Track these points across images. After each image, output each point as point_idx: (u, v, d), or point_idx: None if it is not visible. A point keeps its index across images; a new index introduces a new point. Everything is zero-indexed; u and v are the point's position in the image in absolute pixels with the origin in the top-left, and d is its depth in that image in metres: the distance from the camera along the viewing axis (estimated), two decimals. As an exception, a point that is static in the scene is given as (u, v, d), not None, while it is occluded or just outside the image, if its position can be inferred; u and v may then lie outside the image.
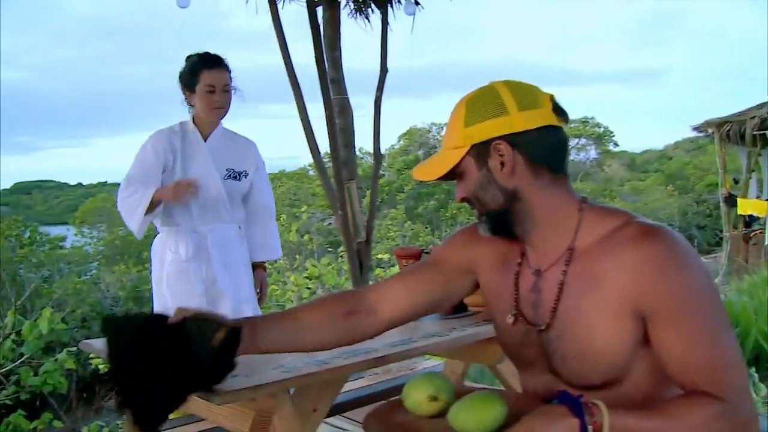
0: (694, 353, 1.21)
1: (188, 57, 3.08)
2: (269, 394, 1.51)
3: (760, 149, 12.23)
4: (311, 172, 21.10)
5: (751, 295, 6.01)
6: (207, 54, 3.07)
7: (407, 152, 26.12)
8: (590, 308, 1.29)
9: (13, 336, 5.47)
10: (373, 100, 4.37)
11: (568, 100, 1.42)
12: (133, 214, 2.99)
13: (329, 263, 8.97)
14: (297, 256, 10.55)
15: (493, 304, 1.52)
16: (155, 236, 3.21)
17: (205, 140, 3.10)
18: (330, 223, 15.57)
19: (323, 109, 4.13)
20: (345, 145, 4.29)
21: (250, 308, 3.15)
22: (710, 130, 12.54)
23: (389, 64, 4.43)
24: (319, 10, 4.24)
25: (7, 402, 5.56)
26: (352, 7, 4.60)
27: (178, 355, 1.34)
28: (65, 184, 56.17)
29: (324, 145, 4.17)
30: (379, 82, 4.36)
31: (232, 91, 3.10)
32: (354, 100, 4.37)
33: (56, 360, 5.31)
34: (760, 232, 11.60)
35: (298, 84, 4.02)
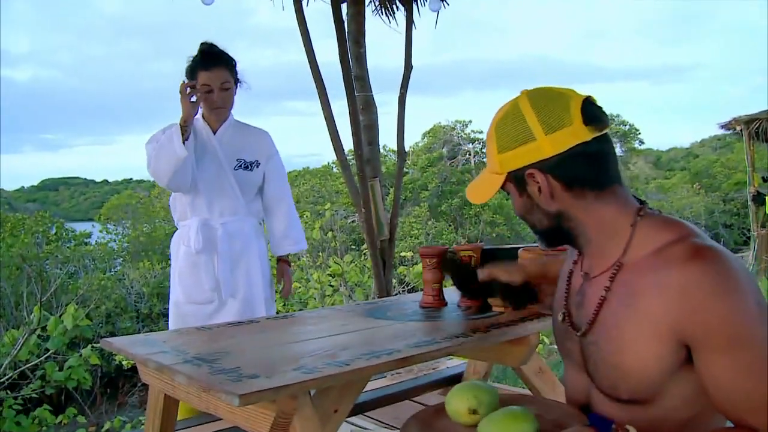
0: (742, 384, 1.14)
1: (199, 46, 3.03)
2: (290, 395, 1.48)
3: (790, 147, 12.07)
4: (335, 170, 21.11)
5: (780, 295, 5.92)
6: (207, 50, 3.02)
7: (431, 150, 26.04)
8: (627, 324, 1.24)
9: (38, 331, 5.52)
10: (397, 97, 4.35)
11: (592, 97, 1.36)
12: (170, 144, 2.84)
13: (352, 260, 8.93)
14: (320, 254, 10.54)
15: (555, 295, 1.54)
16: (174, 232, 3.22)
17: (214, 133, 3.08)
18: (353, 221, 15.59)
19: (347, 106, 4.11)
20: (369, 142, 4.27)
21: (262, 307, 3.11)
22: (738, 128, 12.41)
23: (413, 62, 4.40)
24: (344, 7, 4.22)
25: (33, 396, 5.61)
26: (377, 3, 4.58)
27: None
28: (91, 180, 56.94)
29: (348, 143, 4.16)
30: (403, 79, 4.33)
31: (237, 86, 3.07)
32: (378, 98, 4.36)
33: (81, 355, 5.36)
34: (789, 232, 11.45)
35: (322, 81, 4.00)
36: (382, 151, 5.63)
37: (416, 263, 9.90)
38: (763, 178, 13.02)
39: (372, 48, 4.35)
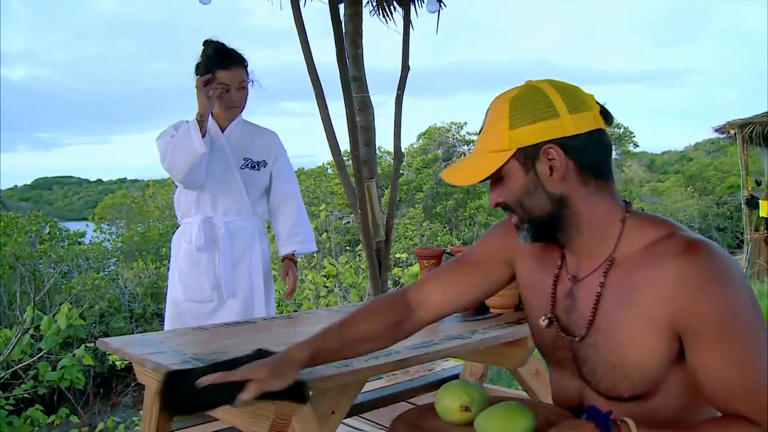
0: (734, 375, 1.15)
1: (205, 43, 3.00)
2: (288, 396, 1.48)
3: (783, 151, 12.13)
4: (330, 171, 21.09)
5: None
6: (222, 49, 2.99)
7: (426, 151, 26.02)
8: (626, 321, 1.25)
9: (31, 331, 5.50)
10: (394, 98, 4.34)
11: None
12: (188, 140, 2.81)
13: (347, 262, 8.94)
14: (315, 255, 10.53)
15: (528, 302, 1.50)
16: (175, 229, 3.20)
17: (222, 131, 3.06)
18: (348, 222, 15.57)
19: (344, 107, 4.10)
20: (366, 143, 4.26)
21: (262, 308, 3.08)
22: (732, 132, 12.43)
23: (410, 63, 4.39)
24: (341, 8, 4.21)
25: (26, 396, 5.59)
26: (374, 4, 4.58)
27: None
28: (85, 180, 56.74)
29: (344, 144, 4.15)
30: (400, 81, 4.33)
31: (250, 84, 3.06)
32: (374, 99, 4.34)
33: (74, 355, 5.33)
34: (782, 235, 11.49)
35: (319, 81, 3.99)
36: (377, 152, 5.63)
37: (411, 264, 9.90)
38: (756, 181, 13.07)
39: (369, 49, 4.35)
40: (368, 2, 4.53)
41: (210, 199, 3.02)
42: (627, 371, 1.25)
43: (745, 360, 1.15)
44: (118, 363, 8.32)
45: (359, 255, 9.37)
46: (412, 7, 4.42)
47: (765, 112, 11.78)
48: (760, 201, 12.02)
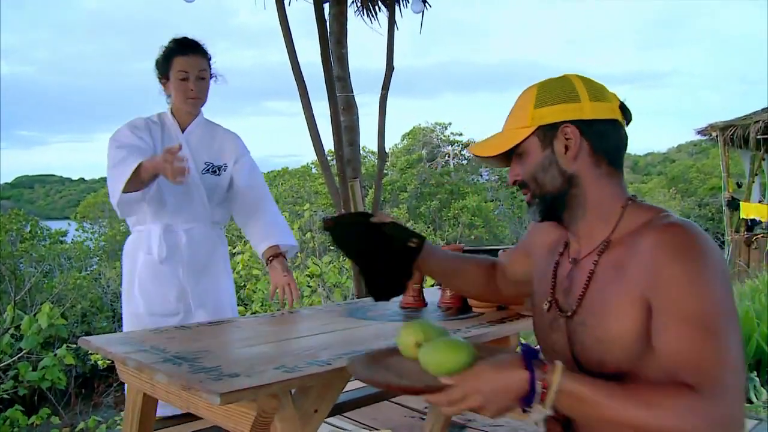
0: (686, 344, 1.16)
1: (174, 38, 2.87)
2: (271, 394, 1.48)
3: (764, 153, 12.26)
4: (314, 170, 21.05)
5: (752, 299, 6.01)
6: (182, 39, 2.84)
7: (410, 152, 26.05)
8: (612, 296, 1.29)
9: (12, 330, 5.46)
10: (378, 98, 4.35)
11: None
12: (119, 176, 2.50)
13: (331, 261, 8.92)
14: (299, 255, 10.51)
15: (537, 292, 1.57)
16: (127, 236, 2.97)
17: (183, 131, 2.89)
18: (332, 222, 15.51)
19: (328, 107, 4.10)
20: (350, 143, 4.27)
21: (230, 315, 2.92)
22: (714, 134, 12.55)
23: (394, 63, 4.40)
24: (326, 7, 4.22)
25: (5, 397, 5.54)
26: (359, 4, 4.58)
27: (386, 249, 1.74)
28: (67, 178, 56.43)
29: (328, 143, 4.15)
30: (384, 80, 4.34)
31: (212, 79, 2.90)
32: (358, 99, 4.36)
33: (55, 355, 5.28)
34: (762, 236, 11.60)
35: (303, 81, 4.00)
36: (361, 152, 5.63)
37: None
38: (737, 183, 13.20)
39: (354, 49, 4.35)
40: (353, 2, 4.54)
41: (169, 206, 2.81)
42: (609, 346, 1.28)
43: (699, 330, 1.16)
44: (100, 363, 8.25)
45: (343, 255, 9.34)
46: (396, 8, 4.43)
47: (746, 115, 11.90)
48: (741, 203, 12.13)
